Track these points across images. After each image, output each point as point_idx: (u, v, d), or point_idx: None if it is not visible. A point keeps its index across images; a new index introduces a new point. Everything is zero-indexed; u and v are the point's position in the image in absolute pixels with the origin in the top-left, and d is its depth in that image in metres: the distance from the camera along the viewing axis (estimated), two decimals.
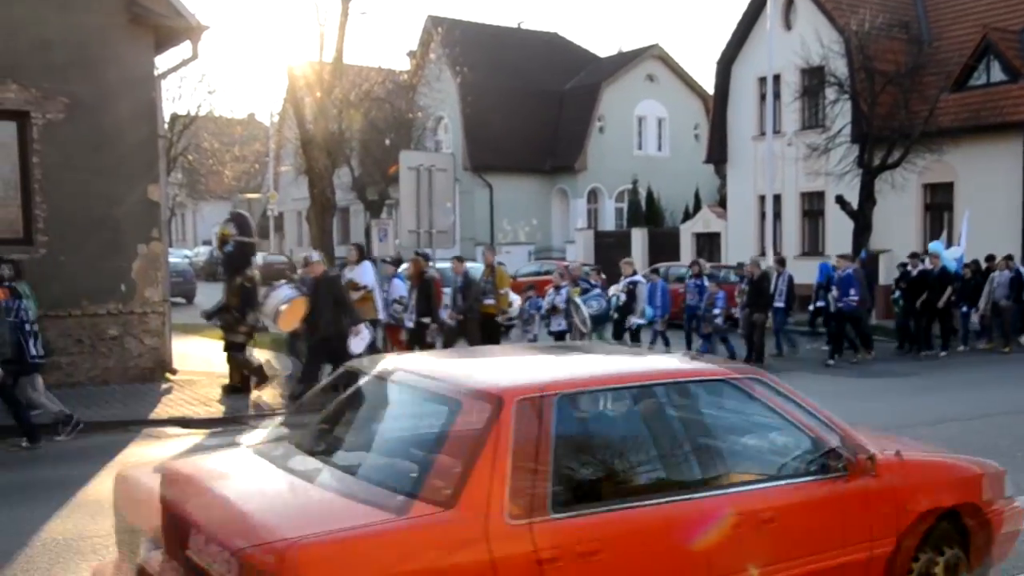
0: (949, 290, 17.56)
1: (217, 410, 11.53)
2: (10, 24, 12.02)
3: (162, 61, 14.06)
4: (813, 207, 27.30)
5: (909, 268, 18.32)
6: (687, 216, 33.92)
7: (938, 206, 24.54)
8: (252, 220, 13.20)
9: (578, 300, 14.34)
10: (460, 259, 14.96)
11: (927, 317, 17.84)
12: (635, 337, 15.75)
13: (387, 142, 32.45)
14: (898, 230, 24.08)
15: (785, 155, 25.82)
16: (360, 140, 33.06)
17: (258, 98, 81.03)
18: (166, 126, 26.48)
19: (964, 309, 18.38)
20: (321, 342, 11.51)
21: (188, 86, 43.21)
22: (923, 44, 23.77)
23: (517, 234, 37.99)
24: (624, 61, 41.48)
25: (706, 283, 16.55)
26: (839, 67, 23.11)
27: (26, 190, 12.34)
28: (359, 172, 35.29)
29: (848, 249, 21.49)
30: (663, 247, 31.08)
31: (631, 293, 15.43)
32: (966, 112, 22.93)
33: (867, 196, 21.81)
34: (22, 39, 12.09)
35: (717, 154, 30.29)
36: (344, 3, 18.31)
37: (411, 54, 39.27)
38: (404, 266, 15.46)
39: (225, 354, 12.68)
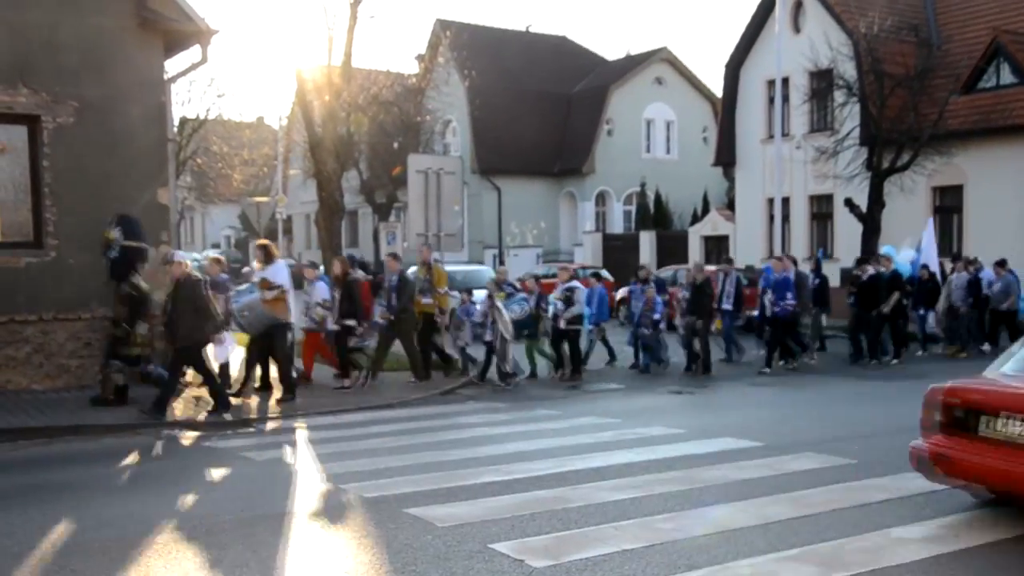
0: (896, 294, 16.53)
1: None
2: (21, 28, 12.09)
3: (172, 65, 14.14)
4: (822, 210, 27.24)
5: (858, 273, 17.38)
6: (695, 219, 33.89)
7: (947, 209, 24.45)
8: (139, 222, 12.26)
9: (500, 305, 13.81)
10: (395, 256, 14.44)
11: (878, 323, 16.78)
12: (574, 344, 14.81)
13: (395, 145, 32.51)
14: (907, 233, 23.97)
15: (794, 158, 25.77)
16: (369, 143, 33.12)
17: (267, 102, 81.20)
18: (175, 130, 26.53)
19: (921, 313, 17.84)
20: (181, 350, 10.90)
21: (197, 90, 43.43)
22: (932, 47, 23.70)
23: (525, 237, 37.99)
24: (632, 64, 41.47)
25: (647, 288, 15.85)
26: (848, 70, 23.06)
27: (36, 193, 12.40)
28: (367, 175, 35.35)
29: (857, 252, 21.45)
30: (671, 250, 31.06)
31: (568, 300, 14.57)
32: (976, 115, 22.85)
33: (876, 199, 21.75)
34: (33, 43, 12.15)
35: (725, 157, 30.24)
36: (353, 7, 18.31)
37: (419, 57, 39.30)
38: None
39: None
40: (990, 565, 5.68)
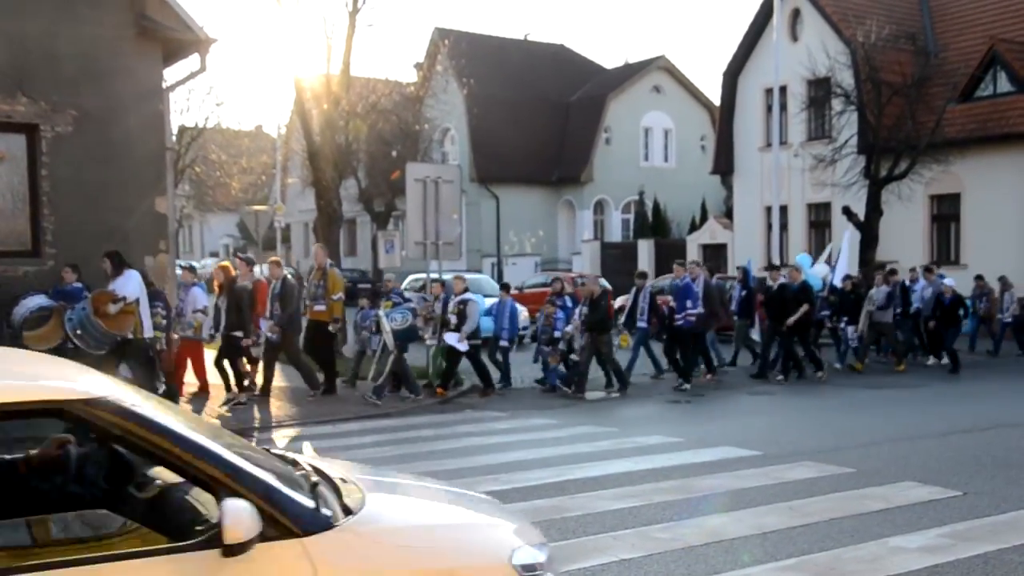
0: (805, 307, 15.10)
1: (219, 421, 11.56)
2: (20, 38, 12.09)
3: (170, 74, 14.16)
4: (819, 218, 27.28)
5: (769, 282, 16.19)
6: (694, 227, 33.92)
7: (945, 217, 24.50)
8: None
9: (382, 315, 13.08)
10: (277, 263, 13.54)
11: (787, 337, 15.36)
12: (476, 361, 13.91)
13: (394, 154, 32.56)
14: (905, 241, 24.04)
15: (791, 166, 25.83)
16: (367, 152, 33.15)
17: (265, 110, 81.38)
18: (174, 138, 26.58)
19: (843, 325, 16.89)
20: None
21: (196, 98, 43.47)
22: (929, 55, 23.78)
23: (523, 245, 38.02)
24: (630, 72, 41.54)
25: (568, 302, 14.62)
26: (845, 78, 23.12)
27: (34, 202, 12.38)
28: (366, 184, 35.39)
29: (854, 261, 21.45)
30: (669, 258, 30.93)
31: (461, 313, 13.51)
32: (973, 123, 22.92)
33: (874, 207, 21.79)
34: (32, 52, 12.15)
35: (723, 165, 30.30)
36: (351, 15, 18.38)
37: (418, 66, 39.35)
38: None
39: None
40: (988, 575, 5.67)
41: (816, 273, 17.71)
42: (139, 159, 12.85)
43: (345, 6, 18.35)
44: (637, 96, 40.46)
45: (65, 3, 12.37)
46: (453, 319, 13.58)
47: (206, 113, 40.59)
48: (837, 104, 23.31)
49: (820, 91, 25.67)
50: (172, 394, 11.78)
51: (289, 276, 13.66)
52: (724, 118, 30.08)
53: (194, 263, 44.72)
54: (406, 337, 13.08)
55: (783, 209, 25.16)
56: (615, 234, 39.42)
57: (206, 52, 13.36)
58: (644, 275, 16.37)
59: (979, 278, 19.33)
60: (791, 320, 14.95)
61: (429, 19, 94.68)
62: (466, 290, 13.95)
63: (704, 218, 33.86)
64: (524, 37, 45.56)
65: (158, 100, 13.25)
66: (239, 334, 12.41)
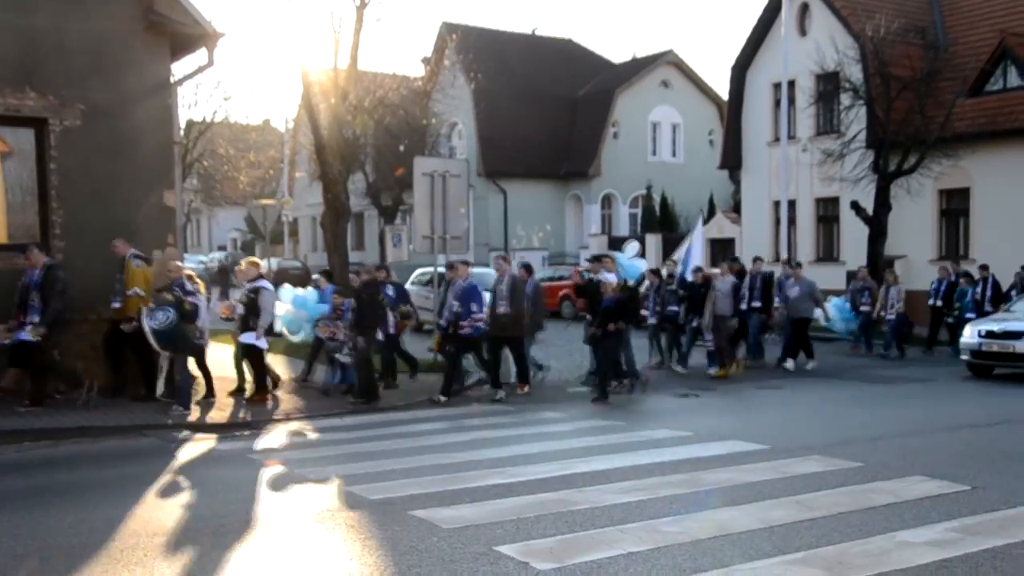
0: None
1: (229, 415, 11.60)
2: (28, 32, 12.13)
3: (178, 68, 14.16)
4: (828, 213, 27.21)
5: (589, 275, 14.72)
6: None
7: (954, 212, 24.41)
8: None
9: (144, 314, 11.32)
10: (37, 247, 11.65)
11: (608, 338, 13.33)
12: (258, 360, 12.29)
13: (401, 148, 32.54)
14: (914, 236, 23.97)
15: (800, 161, 25.75)
16: (374, 146, 33.17)
17: (273, 104, 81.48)
18: (182, 132, 26.63)
19: (695, 324, 15.61)
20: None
21: (204, 92, 43.57)
22: (939, 49, 23.68)
23: (531, 239, 37.99)
24: (638, 67, 41.46)
25: (390, 290, 13.50)
26: (854, 72, 23.04)
27: (43, 196, 12.44)
28: (373, 178, 35.40)
29: (863, 256, 21.40)
30: (731, 254, 31.04)
31: (252, 304, 11.98)
32: (982, 117, 22.82)
33: (882, 202, 21.73)
34: (40, 46, 12.19)
35: (732, 160, 30.24)
36: (359, 10, 18.38)
37: (425, 60, 39.37)
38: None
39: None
40: (997, 570, 5.65)
41: (633, 262, 16.00)
42: (147, 153, 12.88)
43: (353, 0, 18.35)
44: (645, 90, 40.38)
45: None
46: (240, 309, 12.03)
47: (214, 107, 40.60)
48: (846, 98, 23.24)
49: (829, 85, 25.58)
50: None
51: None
52: (732, 113, 30.01)
53: (202, 257, 44.90)
54: (169, 338, 11.26)
55: (791, 204, 25.10)
56: (623, 228, 39.37)
57: (214, 46, 13.36)
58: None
59: (859, 269, 19.06)
60: (610, 325, 13.17)
61: (437, 14, 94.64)
62: (259, 276, 12.18)
63: (712, 213, 33.80)
64: (532, 32, 45.49)
65: (166, 94, 13.28)
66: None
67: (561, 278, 26.80)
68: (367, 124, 24.32)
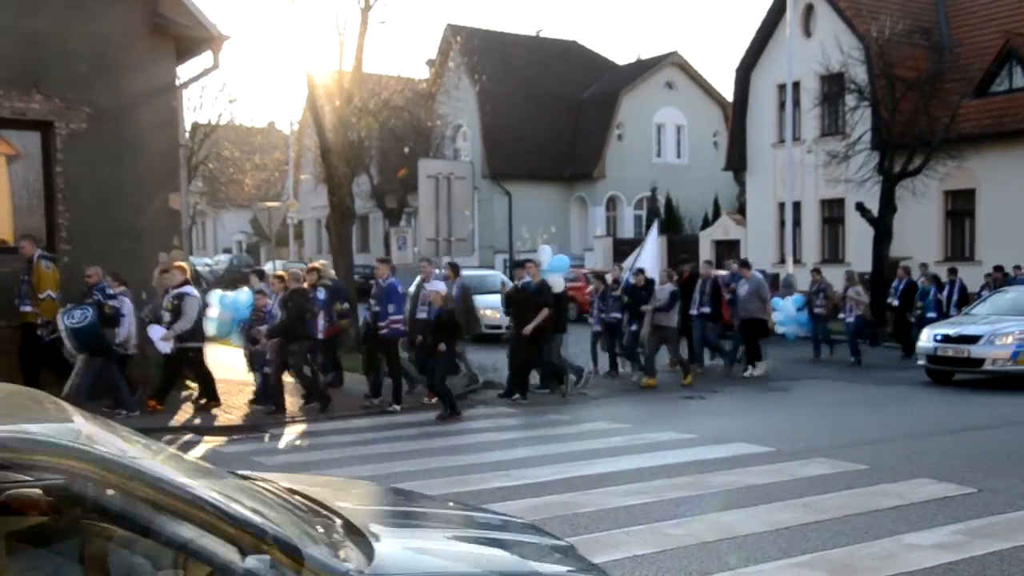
0: (545, 312, 12.75)
1: (236, 418, 11.61)
2: (34, 35, 12.16)
3: (184, 71, 14.22)
4: (833, 214, 27.17)
5: (515, 280, 13.84)
6: (706, 224, 33.83)
7: (960, 213, 24.36)
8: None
9: (59, 313, 10.89)
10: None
11: (531, 347, 13.04)
12: (173, 367, 11.92)
13: (406, 150, 32.56)
14: (919, 237, 23.92)
15: (805, 162, 25.72)
16: (379, 148, 33.16)
17: (278, 107, 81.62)
18: (187, 135, 26.68)
19: (634, 328, 14.93)
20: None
21: (209, 95, 43.46)
22: (944, 50, 23.63)
23: (536, 241, 37.93)
24: (643, 69, 41.45)
25: (320, 294, 12.96)
26: (859, 74, 23.01)
27: (49, 199, 12.47)
28: (378, 180, 35.41)
29: (868, 257, 21.34)
30: (682, 255, 31.01)
31: (177, 310, 11.44)
32: (988, 118, 22.77)
33: (887, 203, 21.68)
34: (46, 50, 12.22)
35: (736, 161, 30.21)
36: (364, 12, 18.37)
37: (430, 63, 39.35)
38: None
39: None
40: (1004, 573, 5.64)
41: (557, 265, 14.74)
42: (153, 156, 12.91)
43: (357, 3, 18.34)
44: (650, 92, 40.35)
45: (79, 1, 12.44)
46: (167, 316, 11.64)
47: (219, 110, 40.48)
48: (851, 100, 23.20)
49: (834, 87, 25.54)
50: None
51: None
52: (737, 114, 29.98)
53: (207, 260, 44.97)
54: (86, 339, 10.81)
55: (796, 205, 25.06)
56: (627, 230, 39.33)
57: (219, 49, 13.40)
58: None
59: (816, 271, 18.56)
60: (529, 327, 12.68)
61: (441, 16, 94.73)
62: (185, 282, 11.75)
63: (717, 214, 33.77)
64: (536, 33, 45.50)
65: (171, 97, 13.31)
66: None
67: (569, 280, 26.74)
68: (372, 126, 24.32)
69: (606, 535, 6.42)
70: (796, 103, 25.33)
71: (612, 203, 40.21)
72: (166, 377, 11.90)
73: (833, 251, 27.09)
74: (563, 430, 10.89)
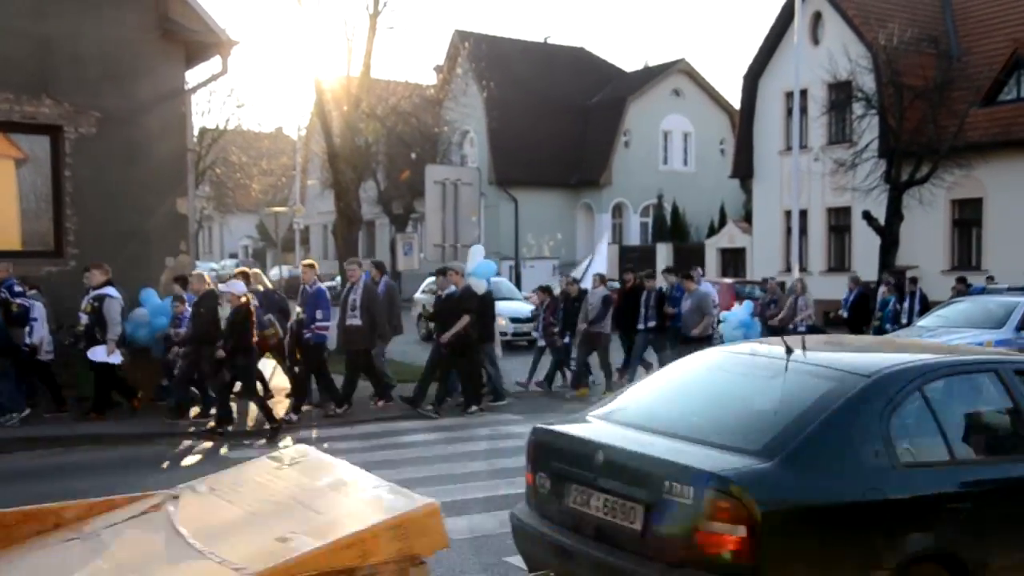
0: (465, 319, 12.26)
1: (238, 422, 11.62)
2: (44, 40, 12.22)
3: (192, 76, 14.26)
4: (840, 223, 27.14)
5: (439, 290, 13.41)
6: (712, 231, 33.82)
7: (967, 222, 24.32)
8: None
9: None
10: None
11: (450, 357, 12.51)
12: (105, 376, 11.33)
13: (413, 156, 32.64)
14: (926, 246, 23.88)
15: (812, 170, 25.70)
16: (386, 154, 33.27)
17: (286, 112, 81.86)
18: (195, 140, 26.77)
19: (567, 340, 14.46)
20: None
21: (217, 100, 43.72)
22: (952, 59, 23.62)
23: (542, 248, 37.98)
24: (650, 75, 41.47)
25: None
26: (867, 82, 23.00)
27: (58, 203, 12.51)
28: (385, 186, 35.50)
29: (875, 265, 21.30)
30: (688, 262, 30.94)
31: (97, 313, 10.96)
32: (996, 127, 22.74)
33: (894, 212, 21.66)
34: (56, 54, 12.28)
35: (743, 169, 30.21)
36: (372, 18, 18.46)
37: (438, 68, 39.47)
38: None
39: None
40: None
41: (482, 271, 13.87)
42: (161, 160, 12.95)
43: (366, 9, 18.46)
44: (657, 99, 40.36)
45: (89, 6, 12.50)
46: (84, 317, 11.04)
47: (227, 115, 40.65)
48: (858, 108, 23.18)
49: (841, 94, 25.53)
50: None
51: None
52: (744, 122, 29.99)
53: (213, 264, 45.06)
54: None
55: (803, 213, 25.04)
56: (633, 237, 39.32)
57: (228, 54, 13.44)
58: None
59: (767, 280, 18.32)
60: (447, 335, 12.28)
61: (449, 22, 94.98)
62: (107, 283, 11.14)
63: (723, 222, 33.75)
64: (544, 40, 45.53)
65: (180, 102, 13.35)
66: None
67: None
68: (379, 132, 24.40)
69: None
70: (803, 111, 25.32)
71: (618, 210, 40.21)
72: (100, 386, 11.35)
73: (839, 260, 27.05)
74: None
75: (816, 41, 27.01)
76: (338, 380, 12.35)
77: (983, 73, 23.47)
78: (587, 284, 15.16)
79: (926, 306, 17.35)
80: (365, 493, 3.62)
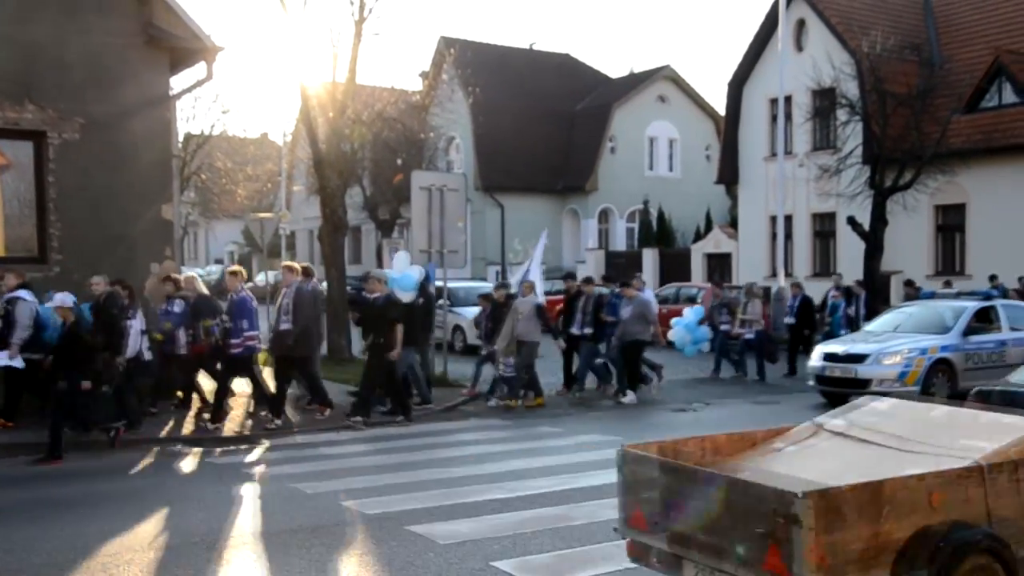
0: (399, 328, 11.92)
1: (227, 429, 11.57)
2: (28, 45, 12.16)
3: (177, 82, 14.21)
4: (824, 228, 27.27)
5: (364, 292, 13.14)
6: (698, 237, 33.92)
7: (950, 227, 24.49)
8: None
9: None
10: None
11: (382, 368, 12.05)
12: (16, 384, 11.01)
13: (399, 162, 32.58)
14: (910, 251, 24.03)
15: (796, 176, 25.81)
16: (372, 160, 33.20)
17: (271, 118, 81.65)
18: (180, 146, 26.67)
19: (495, 346, 13.87)
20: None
21: (202, 106, 43.47)
22: (934, 66, 23.78)
23: (528, 253, 38.03)
24: (635, 82, 41.61)
25: (174, 306, 12.05)
26: (850, 89, 23.13)
27: (41, 209, 12.46)
28: (371, 191, 35.44)
29: (859, 271, 21.41)
30: (674, 268, 31.08)
31: (8, 317, 10.62)
32: (978, 134, 22.91)
33: (879, 217, 21.77)
34: (40, 60, 12.23)
35: (728, 175, 30.32)
36: (358, 24, 18.42)
37: (423, 75, 39.43)
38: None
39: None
40: None
41: (408, 277, 13.63)
42: (145, 166, 12.91)
43: (351, 15, 18.39)
44: (642, 105, 40.50)
45: (73, 11, 12.46)
46: None
47: (212, 121, 40.40)
48: (842, 114, 23.30)
49: (825, 101, 25.67)
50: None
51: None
52: (729, 128, 30.10)
53: (199, 270, 44.88)
54: None
55: (788, 219, 25.14)
56: (619, 243, 39.41)
57: (213, 60, 13.41)
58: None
59: (716, 284, 18.62)
60: (393, 354, 11.88)
61: (435, 28, 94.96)
62: (21, 285, 10.79)
63: (709, 228, 33.85)
64: (530, 46, 45.62)
65: (165, 108, 13.32)
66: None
67: (558, 292, 26.77)
68: (365, 138, 24.34)
69: (597, 548, 6.42)
70: (788, 117, 25.43)
71: (604, 216, 40.30)
72: (10, 393, 11.02)
73: (824, 265, 27.17)
74: (556, 442, 10.89)
75: (800, 48, 27.17)
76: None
77: (965, 80, 23.65)
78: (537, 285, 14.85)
79: (871, 311, 17.47)
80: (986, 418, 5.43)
